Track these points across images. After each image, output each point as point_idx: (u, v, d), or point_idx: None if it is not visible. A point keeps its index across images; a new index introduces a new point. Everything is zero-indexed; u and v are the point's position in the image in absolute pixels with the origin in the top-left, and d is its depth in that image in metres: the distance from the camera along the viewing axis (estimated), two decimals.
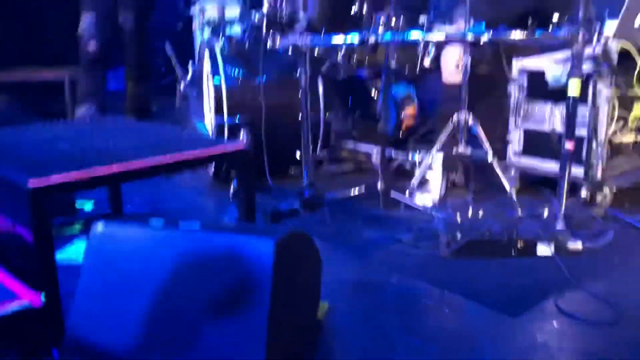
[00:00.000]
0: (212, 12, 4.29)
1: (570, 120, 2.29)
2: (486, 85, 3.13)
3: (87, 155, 1.76)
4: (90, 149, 1.84)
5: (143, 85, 4.61)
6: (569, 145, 2.29)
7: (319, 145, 3.29)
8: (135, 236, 1.43)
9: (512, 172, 2.90)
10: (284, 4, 2.93)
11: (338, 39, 2.75)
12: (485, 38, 2.40)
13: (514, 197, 2.62)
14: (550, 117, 2.78)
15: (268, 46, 2.92)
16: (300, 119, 2.81)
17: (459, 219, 2.28)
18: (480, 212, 2.34)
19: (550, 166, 2.79)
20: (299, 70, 2.76)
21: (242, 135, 2.87)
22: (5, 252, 1.66)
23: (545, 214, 2.37)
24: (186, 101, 3.74)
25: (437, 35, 2.62)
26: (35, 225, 1.46)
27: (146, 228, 1.44)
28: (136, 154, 1.75)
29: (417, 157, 3.06)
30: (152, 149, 1.82)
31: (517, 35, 2.60)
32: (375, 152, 3.28)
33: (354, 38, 2.58)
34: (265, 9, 3.01)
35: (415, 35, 2.67)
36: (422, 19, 3.05)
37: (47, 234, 1.48)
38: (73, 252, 2.37)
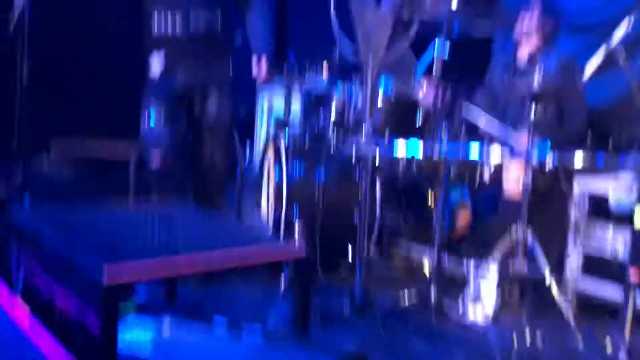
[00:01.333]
0: (278, 104, 4.42)
1: (635, 250, 2.24)
2: (546, 202, 3.11)
3: (154, 251, 1.80)
4: (158, 244, 1.89)
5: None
6: (633, 276, 2.24)
7: (372, 245, 3.30)
8: (199, 342, 1.45)
9: (569, 295, 2.82)
10: (351, 108, 3.06)
11: (401, 146, 2.83)
12: (549, 160, 2.41)
13: (572, 322, 2.53)
14: (613, 240, 2.73)
15: (332, 149, 3.03)
16: (356, 221, 2.85)
17: (515, 343, 2.21)
18: (538, 336, 2.26)
19: (611, 292, 2.70)
20: (359, 174, 2.82)
21: (297, 227, 2.91)
22: (67, 332, 1.70)
23: (609, 348, 2.28)
24: (244, 187, 3.83)
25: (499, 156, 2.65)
26: (105, 319, 1.50)
27: (211, 334, 1.46)
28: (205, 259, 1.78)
29: (471, 267, 3.02)
30: (219, 249, 1.86)
31: (580, 158, 2.61)
32: (427, 259, 3.26)
33: (416, 150, 2.64)
34: (333, 110, 3.15)
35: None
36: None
37: (113, 329, 1.52)
38: (126, 332, 2.38)
